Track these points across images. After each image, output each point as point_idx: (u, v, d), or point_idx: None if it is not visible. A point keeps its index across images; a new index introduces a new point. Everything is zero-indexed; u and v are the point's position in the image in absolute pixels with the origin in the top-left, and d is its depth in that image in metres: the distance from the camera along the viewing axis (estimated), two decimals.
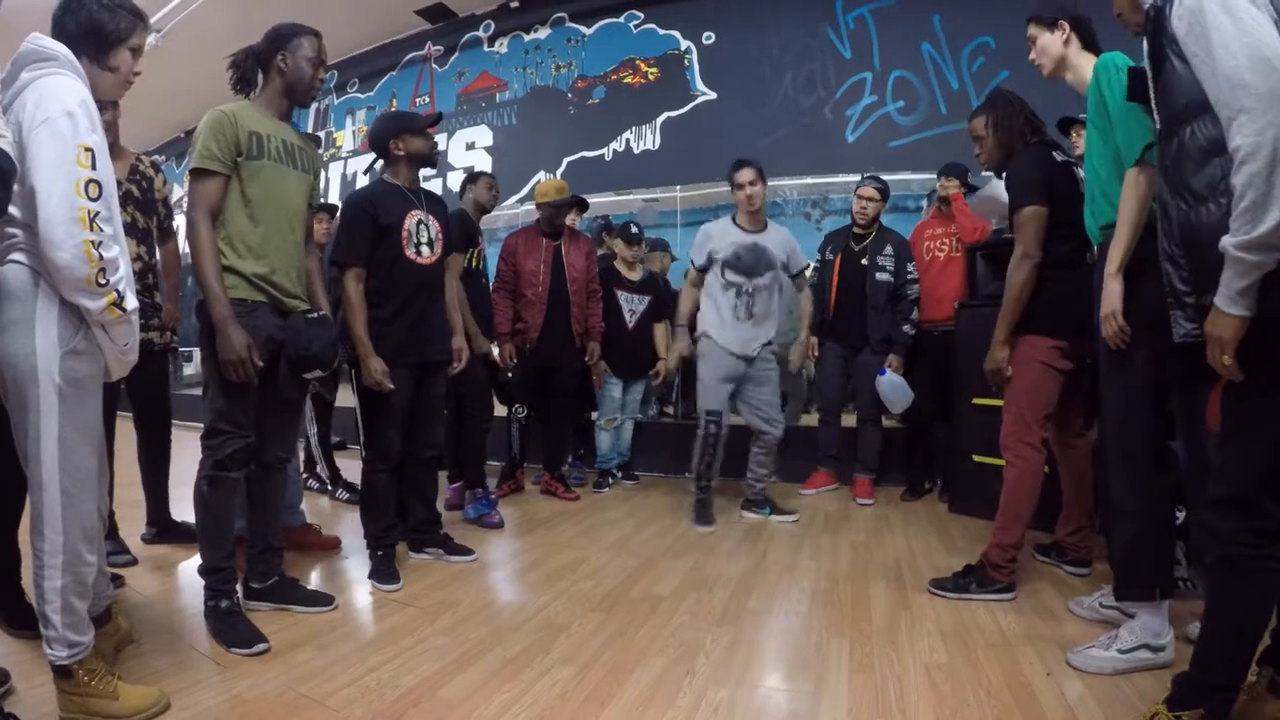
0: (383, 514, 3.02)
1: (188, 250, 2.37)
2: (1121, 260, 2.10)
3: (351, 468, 4.43)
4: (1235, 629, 1.56)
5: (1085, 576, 2.88)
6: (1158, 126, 1.74)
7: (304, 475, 4.41)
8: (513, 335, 4.41)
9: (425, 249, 3.04)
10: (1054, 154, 2.69)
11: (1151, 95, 1.73)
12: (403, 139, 3.03)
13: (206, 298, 2.22)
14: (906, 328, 4.39)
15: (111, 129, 3.15)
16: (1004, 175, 2.79)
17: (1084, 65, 2.37)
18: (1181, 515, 2.54)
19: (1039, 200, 2.58)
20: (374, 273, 2.94)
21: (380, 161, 3.16)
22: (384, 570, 2.91)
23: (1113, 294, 2.11)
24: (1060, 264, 2.59)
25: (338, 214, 3.38)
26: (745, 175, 3.83)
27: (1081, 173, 2.60)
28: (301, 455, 4.34)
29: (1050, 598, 2.69)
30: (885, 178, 4.53)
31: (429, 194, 3.18)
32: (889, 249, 4.44)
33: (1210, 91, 1.45)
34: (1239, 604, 1.56)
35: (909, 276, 4.40)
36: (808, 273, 4.13)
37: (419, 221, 3.03)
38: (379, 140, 3.08)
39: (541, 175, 7.17)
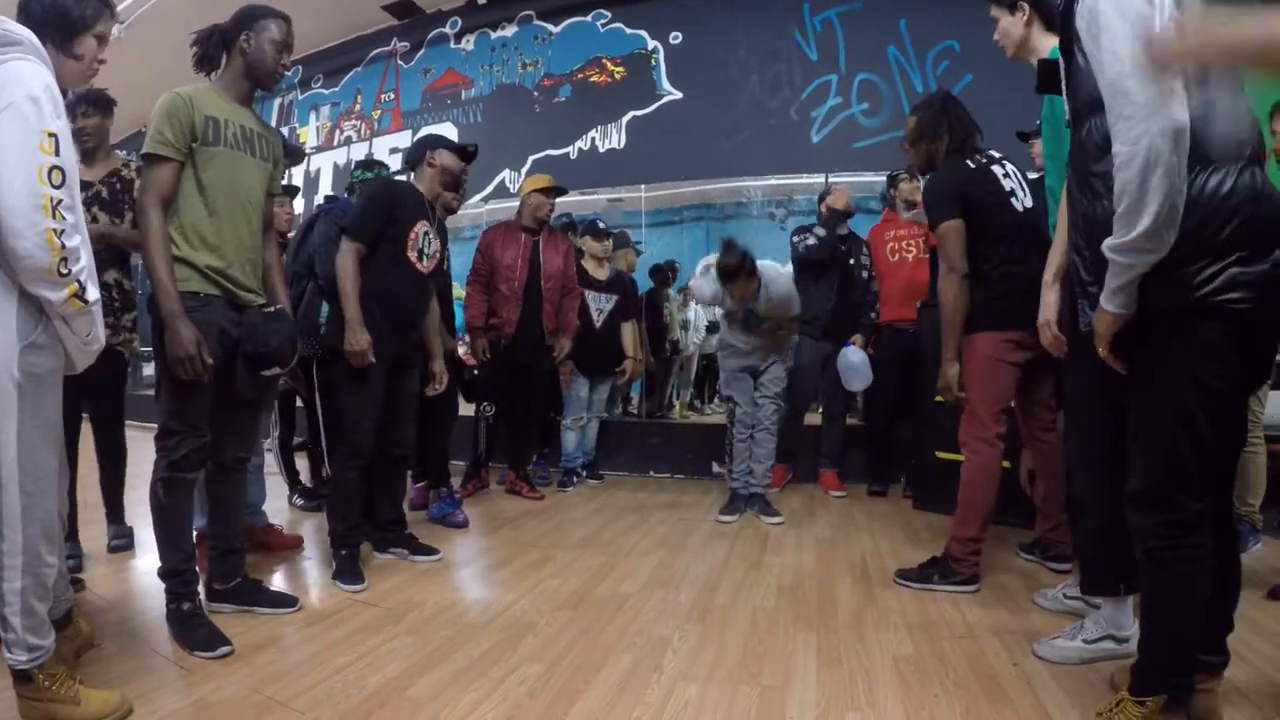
0: (350, 512, 2.96)
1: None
2: (1058, 268, 2.13)
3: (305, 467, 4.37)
4: (1168, 618, 1.59)
5: (1067, 572, 2.84)
6: (1068, 120, 1.75)
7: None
8: (486, 330, 4.36)
9: (425, 259, 3.07)
10: (967, 162, 2.73)
11: (1063, 88, 1.74)
12: (439, 152, 3.14)
13: (155, 291, 2.12)
14: (873, 315, 4.62)
15: (98, 133, 3.07)
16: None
17: (1045, 47, 2.36)
18: None
19: (952, 214, 2.65)
20: (373, 266, 2.92)
21: (411, 173, 3.24)
22: (348, 570, 2.84)
23: (1047, 304, 2.14)
24: (1002, 262, 2.62)
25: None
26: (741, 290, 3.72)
27: (1001, 170, 2.67)
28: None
29: (1015, 590, 2.73)
30: (849, 178, 4.59)
31: (440, 222, 3.27)
32: (865, 248, 4.72)
33: (1101, 93, 1.47)
34: (1166, 594, 1.59)
35: (870, 271, 4.68)
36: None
37: (426, 232, 3.08)
38: (418, 149, 3.21)
39: (507, 173, 7.13)
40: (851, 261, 4.64)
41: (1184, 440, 1.51)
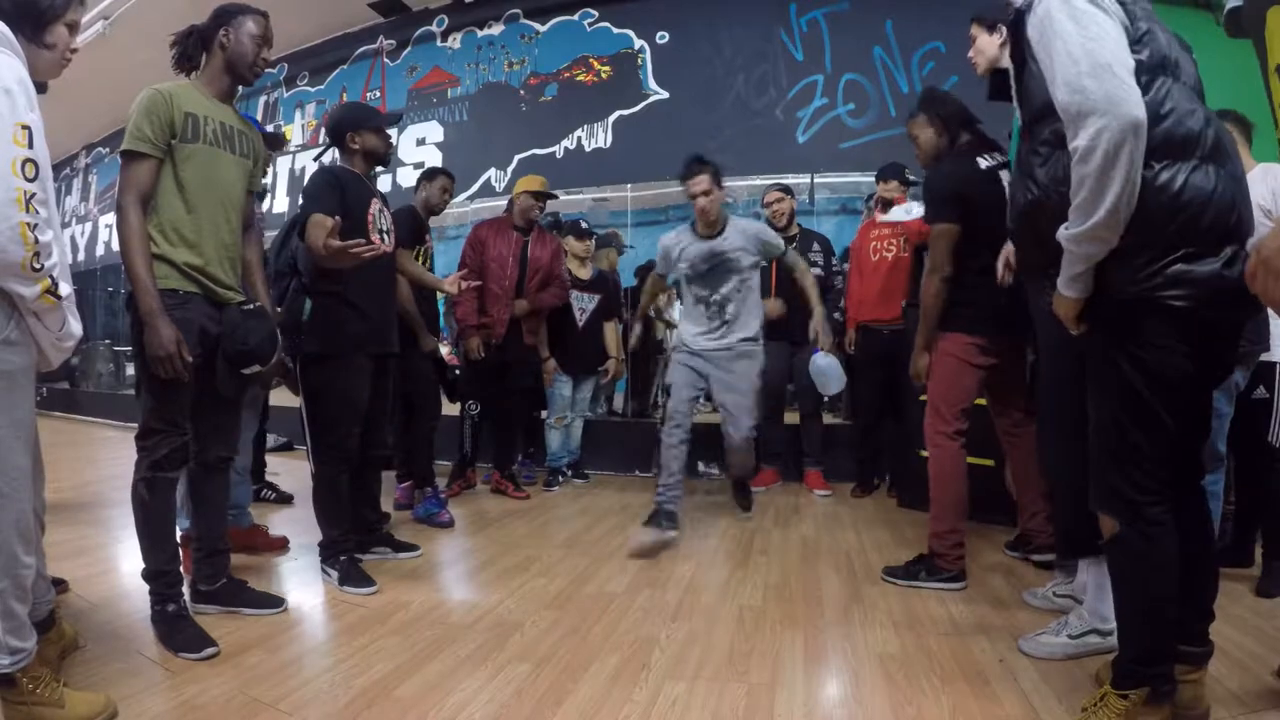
0: (343, 517, 2.93)
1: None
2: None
3: (293, 468, 4.34)
4: (1138, 604, 1.63)
5: (1051, 564, 2.82)
6: (1019, 124, 1.81)
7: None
8: (478, 328, 4.35)
9: (386, 237, 3.00)
10: (979, 159, 2.74)
11: (1014, 94, 1.79)
12: (360, 134, 3.01)
13: (134, 288, 2.10)
14: (836, 315, 4.64)
15: None
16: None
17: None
18: None
19: (948, 218, 2.69)
20: None
21: (334, 151, 3.11)
22: (355, 575, 2.80)
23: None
24: (984, 270, 2.64)
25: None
26: (698, 185, 3.59)
27: (1008, 175, 2.69)
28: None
29: (1001, 588, 2.74)
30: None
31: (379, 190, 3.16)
32: (816, 246, 4.77)
33: (1054, 95, 1.51)
34: (1131, 580, 1.63)
35: (835, 269, 4.75)
36: (791, 252, 4.00)
37: (380, 210, 3.02)
38: (337, 131, 3.05)
39: (493, 172, 7.10)
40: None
41: (1129, 420, 1.57)
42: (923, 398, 3.95)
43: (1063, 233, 1.52)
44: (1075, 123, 1.45)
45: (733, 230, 3.73)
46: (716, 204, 3.64)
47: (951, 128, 2.81)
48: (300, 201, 2.98)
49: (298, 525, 3.45)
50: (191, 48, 2.34)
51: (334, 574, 2.81)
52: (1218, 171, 1.48)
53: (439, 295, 4.31)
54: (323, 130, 3.02)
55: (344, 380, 2.86)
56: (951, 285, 2.71)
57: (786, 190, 4.78)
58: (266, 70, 2.46)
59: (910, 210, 3.96)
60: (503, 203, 4.80)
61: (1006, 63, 2.46)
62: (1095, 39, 1.45)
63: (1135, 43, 1.51)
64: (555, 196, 4.61)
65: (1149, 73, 1.49)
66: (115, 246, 2.17)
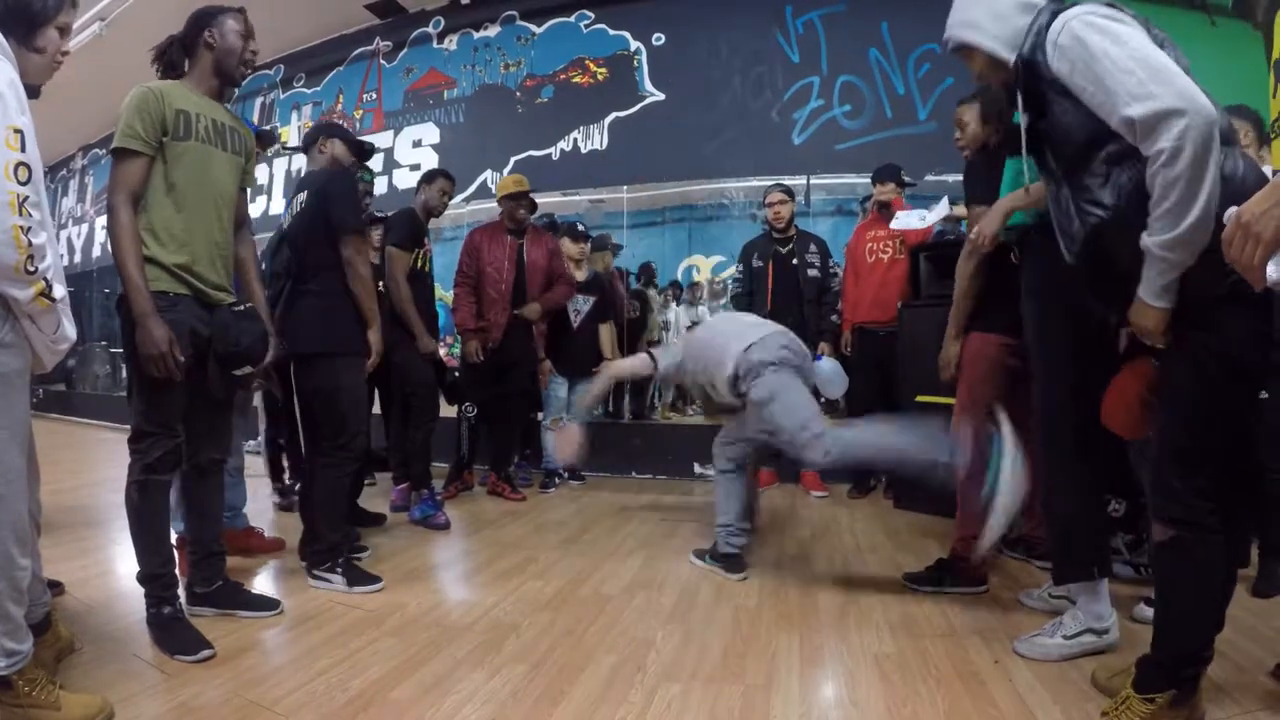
0: (341, 519, 2.93)
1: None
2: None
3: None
4: (1187, 609, 1.62)
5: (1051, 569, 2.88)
6: (1024, 169, 1.86)
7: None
8: (477, 331, 4.35)
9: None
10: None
11: (1024, 141, 1.79)
12: (332, 141, 3.08)
13: (126, 289, 2.09)
14: (834, 318, 4.69)
15: None
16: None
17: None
18: (1122, 507, 2.62)
19: (984, 201, 2.63)
20: (330, 256, 2.85)
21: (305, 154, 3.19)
22: (360, 575, 2.80)
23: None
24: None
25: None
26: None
27: None
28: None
29: (996, 589, 2.74)
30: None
31: None
32: (813, 247, 4.75)
33: (1117, 113, 1.49)
34: (1185, 584, 1.62)
35: (832, 271, 4.75)
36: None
37: None
38: (313, 133, 3.14)
39: (489, 174, 7.09)
40: (795, 262, 4.66)
41: (1205, 423, 1.56)
42: (919, 398, 4.01)
43: (1150, 241, 1.48)
44: (1153, 129, 1.43)
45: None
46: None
47: (998, 126, 2.80)
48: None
49: (293, 527, 3.43)
50: (175, 55, 2.34)
51: (336, 578, 2.78)
52: (1243, 154, 1.51)
53: (439, 298, 4.32)
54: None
55: (352, 378, 2.85)
56: (991, 281, 2.63)
57: (789, 193, 4.76)
58: (258, 71, 2.46)
59: (924, 218, 3.92)
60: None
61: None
62: (1139, 47, 1.46)
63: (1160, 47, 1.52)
64: (528, 193, 4.58)
65: None
66: (110, 247, 2.16)
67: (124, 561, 3.00)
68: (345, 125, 7.98)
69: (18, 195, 1.52)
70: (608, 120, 6.72)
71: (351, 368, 2.85)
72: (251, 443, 6.20)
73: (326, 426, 2.84)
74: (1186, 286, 1.51)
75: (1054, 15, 1.63)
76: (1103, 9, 1.56)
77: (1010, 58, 1.73)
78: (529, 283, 4.42)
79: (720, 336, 3.09)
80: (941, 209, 3.83)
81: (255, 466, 4.16)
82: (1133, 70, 1.45)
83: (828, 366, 4.17)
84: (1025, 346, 2.62)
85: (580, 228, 4.97)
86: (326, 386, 2.81)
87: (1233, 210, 1.25)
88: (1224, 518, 1.58)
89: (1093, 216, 1.64)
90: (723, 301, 7.04)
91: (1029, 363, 2.64)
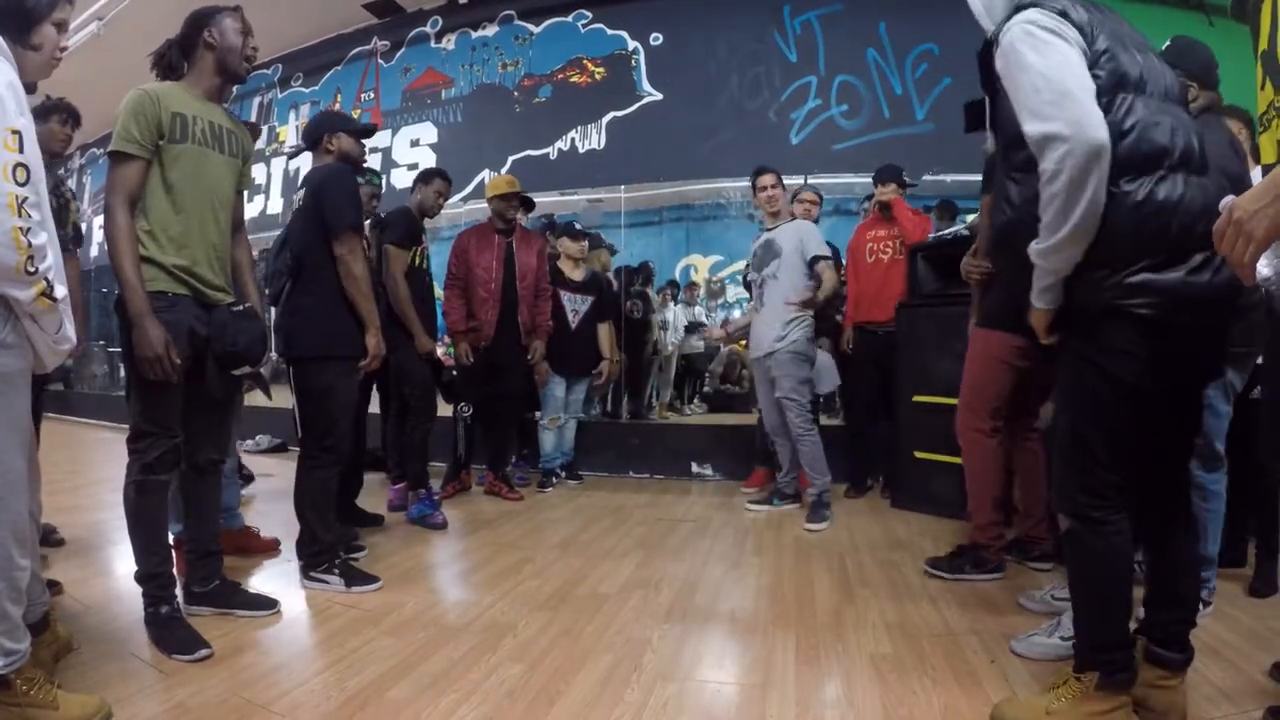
0: (333, 520, 2.92)
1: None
2: None
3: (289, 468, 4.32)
4: (1085, 594, 1.70)
5: (1049, 571, 2.87)
6: (991, 149, 1.91)
7: None
8: (467, 333, 4.35)
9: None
10: None
11: (988, 121, 1.86)
12: (338, 136, 3.00)
13: (123, 290, 2.09)
14: (838, 317, 4.71)
15: (58, 139, 3.04)
16: None
17: None
18: None
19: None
20: (324, 256, 2.82)
21: (309, 154, 3.11)
22: (358, 574, 2.81)
23: None
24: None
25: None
26: (765, 180, 4.14)
27: None
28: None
29: (993, 590, 2.74)
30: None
31: None
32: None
33: (1020, 123, 1.56)
34: (1080, 570, 1.71)
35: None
36: (821, 263, 3.98)
37: None
38: (313, 132, 3.05)
39: (486, 173, 7.08)
40: None
41: (1088, 428, 1.62)
42: (917, 398, 4.02)
43: (1032, 248, 1.59)
44: (1041, 148, 1.51)
45: (789, 225, 4.15)
46: (779, 198, 4.20)
47: None
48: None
49: (290, 527, 3.42)
50: (174, 58, 2.33)
51: (334, 579, 2.78)
52: (1186, 180, 1.51)
53: (435, 297, 4.32)
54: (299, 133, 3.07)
55: (345, 381, 2.86)
56: (1004, 278, 2.53)
57: (820, 196, 4.80)
58: (256, 70, 2.45)
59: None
60: None
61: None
62: (1057, 67, 1.51)
63: (1094, 65, 1.55)
64: (519, 193, 4.58)
65: (1108, 93, 1.54)
66: (107, 248, 2.16)
67: (122, 561, 3.00)
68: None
69: (17, 196, 1.51)
70: (605, 120, 6.72)
71: (346, 372, 2.85)
72: (249, 443, 6.23)
73: (316, 428, 2.83)
74: (1075, 294, 1.60)
75: (1019, 9, 1.66)
76: (1047, 19, 1.58)
77: (990, 29, 1.75)
78: (520, 285, 4.43)
79: None
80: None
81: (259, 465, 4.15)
82: (1040, 89, 1.51)
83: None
84: (1036, 348, 2.62)
85: (578, 227, 4.98)
86: (320, 389, 2.80)
87: (1228, 200, 1.24)
88: (1126, 514, 1.64)
89: (1001, 214, 1.75)
90: (720, 301, 7.07)
91: (1039, 365, 2.64)
